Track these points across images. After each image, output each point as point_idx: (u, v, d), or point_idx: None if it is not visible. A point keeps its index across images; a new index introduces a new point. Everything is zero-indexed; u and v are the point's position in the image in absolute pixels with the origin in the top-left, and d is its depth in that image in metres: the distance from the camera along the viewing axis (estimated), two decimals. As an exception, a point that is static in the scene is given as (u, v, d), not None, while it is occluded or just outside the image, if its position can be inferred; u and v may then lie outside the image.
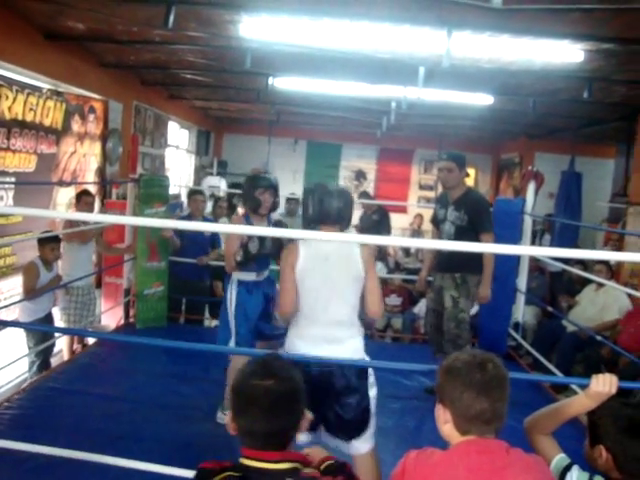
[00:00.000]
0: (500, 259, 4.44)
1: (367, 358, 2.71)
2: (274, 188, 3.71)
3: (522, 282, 5.57)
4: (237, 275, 3.64)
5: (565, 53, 4.56)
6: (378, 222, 8.61)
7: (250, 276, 3.66)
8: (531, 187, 5.52)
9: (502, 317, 5.32)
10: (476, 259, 4.17)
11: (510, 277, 5.36)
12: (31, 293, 4.70)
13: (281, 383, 1.49)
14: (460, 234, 4.14)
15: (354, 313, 2.70)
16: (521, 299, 5.61)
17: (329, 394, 2.58)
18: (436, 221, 4.48)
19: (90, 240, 5.42)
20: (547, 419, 1.93)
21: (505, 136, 10.82)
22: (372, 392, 2.68)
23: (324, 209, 2.70)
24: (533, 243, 7.52)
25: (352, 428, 2.62)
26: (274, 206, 3.79)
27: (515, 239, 5.10)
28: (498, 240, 4.25)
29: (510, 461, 1.53)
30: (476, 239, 4.07)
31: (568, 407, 1.96)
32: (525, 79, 5.70)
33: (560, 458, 1.82)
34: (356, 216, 8.69)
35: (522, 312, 5.66)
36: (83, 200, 5.40)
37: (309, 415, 1.56)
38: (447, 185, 4.27)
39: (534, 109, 6.57)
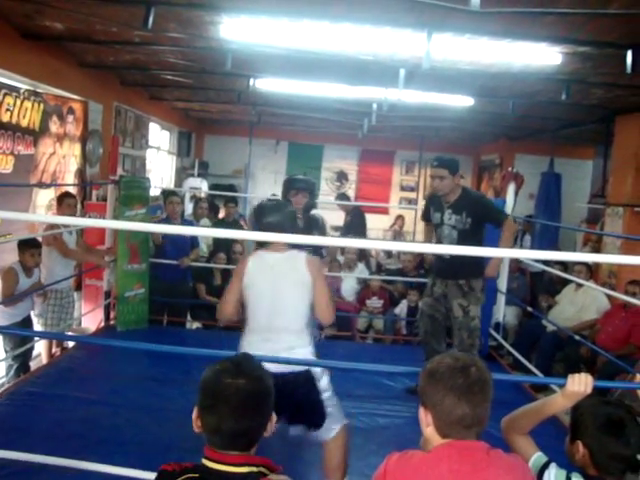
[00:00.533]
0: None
1: (316, 369, 2.76)
2: (307, 190, 3.88)
3: (503, 283, 5.62)
4: None
5: (543, 56, 4.61)
6: (350, 223, 8.68)
7: None
8: (511, 188, 5.56)
9: (483, 318, 5.36)
10: (480, 263, 4.14)
11: (491, 278, 5.40)
12: (8, 298, 4.64)
13: (252, 383, 1.50)
14: (464, 238, 4.06)
15: (301, 320, 2.77)
16: (502, 300, 5.65)
17: (280, 395, 2.64)
18: (429, 218, 4.42)
19: (72, 258, 5.36)
20: (524, 419, 1.95)
21: (485, 137, 10.89)
22: (325, 394, 2.78)
23: (263, 227, 2.82)
24: (514, 244, 7.58)
25: (308, 423, 2.76)
26: (308, 207, 3.92)
27: (495, 240, 5.13)
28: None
29: (491, 462, 1.54)
30: (479, 242, 4.04)
31: (545, 407, 1.98)
32: (504, 81, 5.75)
33: (538, 456, 1.85)
34: (334, 216, 8.74)
35: (503, 312, 5.71)
36: (65, 203, 5.32)
37: (275, 418, 1.56)
38: (440, 193, 4.16)
39: (513, 111, 6.62)
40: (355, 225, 8.61)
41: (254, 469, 1.46)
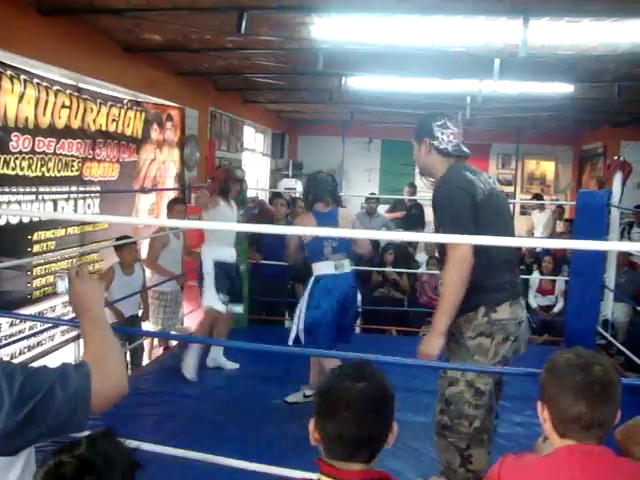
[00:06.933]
0: (585, 254, 4.26)
1: None
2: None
3: (610, 278, 5.33)
4: None
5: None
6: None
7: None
8: (618, 178, 5.26)
9: (589, 314, 5.11)
10: (475, 290, 2.55)
11: (596, 273, 5.14)
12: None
13: (374, 386, 1.44)
14: (440, 245, 2.99)
15: None
16: (609, 296, 5.37)
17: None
18: None
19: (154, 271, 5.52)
20: None
21: (586, 126, 10.39)
22: None
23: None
24: (622, 237, 7.17)
25: None
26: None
27: (600, 233, 4.88)
28: (582, 235, 4.05)
29: (616, 470, 1.43)
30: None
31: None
32: (608, 64, 5.43)
33: None
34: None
35: (611, 309, 5.42)
36: (175, 209, 5.50)
37: (396, 428, 1.47)
38: (421, 172, 3.09)
39: (619, 95, 6.25)
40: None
41: None
